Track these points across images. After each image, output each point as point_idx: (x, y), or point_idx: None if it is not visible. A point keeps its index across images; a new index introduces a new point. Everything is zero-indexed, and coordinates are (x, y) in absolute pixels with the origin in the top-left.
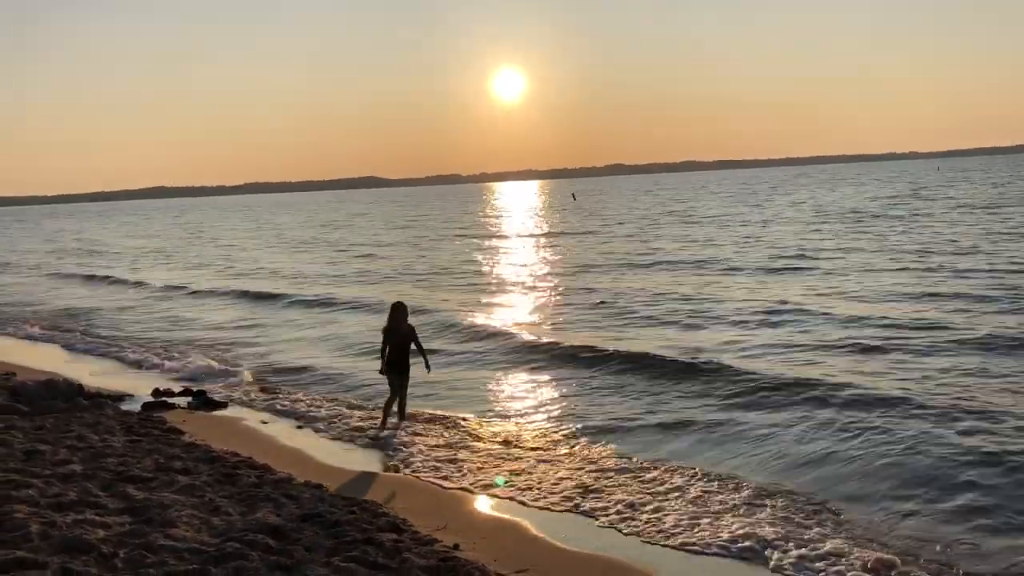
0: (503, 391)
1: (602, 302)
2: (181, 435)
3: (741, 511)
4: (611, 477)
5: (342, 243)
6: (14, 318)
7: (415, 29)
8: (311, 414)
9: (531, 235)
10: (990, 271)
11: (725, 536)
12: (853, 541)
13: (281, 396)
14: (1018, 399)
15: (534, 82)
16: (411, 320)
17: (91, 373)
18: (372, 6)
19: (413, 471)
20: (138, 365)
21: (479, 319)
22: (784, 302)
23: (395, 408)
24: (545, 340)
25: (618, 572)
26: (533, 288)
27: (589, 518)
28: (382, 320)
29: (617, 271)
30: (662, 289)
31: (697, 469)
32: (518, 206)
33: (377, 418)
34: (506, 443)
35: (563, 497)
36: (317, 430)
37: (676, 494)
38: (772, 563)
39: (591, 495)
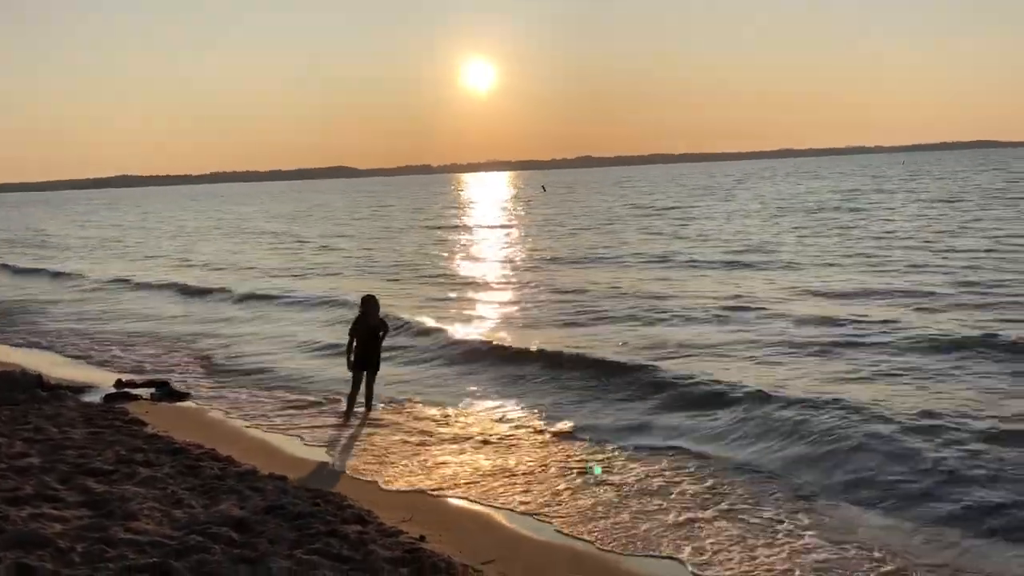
0: (465, 388)
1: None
2: (144, 427)
3: (690, 512)
4: (571, 476)
5: (302, 234)
6: None
7: (386, 17)
8: (275, 406)
9: (497, 227)
10: (944, 268)
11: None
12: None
13: (244, 388)
14: (956, 397)
15: (505, 73)
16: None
17: (52, 364)
18: None
19: (378, 463)
20: (90, 359)
21: (437, 314)
22: (738, 296)
23: (361, 399)
24: (504, 337)
25: (584, 562)
26: (493, 283)
27: (554, 513)
28: (342, 313)
29: (580, 264)
30: (624, 284)
31: (652, 469)
32: (487, 197)
33: (341, 409)
34: (470, 439)
35: (529, 492)
36: (281, 422)
37: (636, 492)
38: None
39: (555, 492)
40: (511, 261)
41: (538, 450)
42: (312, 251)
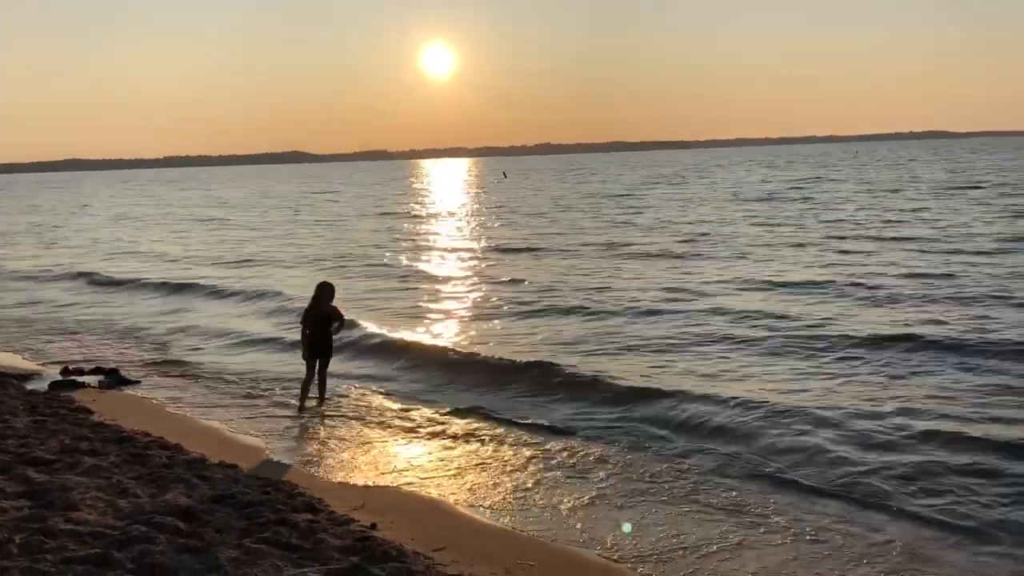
0: (411, 384)
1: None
2: (90, 415)
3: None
4: (518, 467)
5: (240, 222)
6: None
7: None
8: (226, 395)
9: (452, 214)
10: (885, 262)
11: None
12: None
13: (194, 378)
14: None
15: (464, 59)
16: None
17: None
18: None
19: (330, 452)
20: (31, 349)
21: (375, 308)
22: (681, 290)
23: (315, 388)
24: (442, 334)
25: (537, 549)
26: (439, 275)
27: (505, 500)
28: (287, 303)
29: (533, 255)
30: (575, 275)
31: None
32: (446, 185)
33: (294, 400)
34: (421, 430)
35: (479, 482)
36: (233, 411)
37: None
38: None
39: (502, 483)
40: (460, 251)
41: (486, 444)
42: (249, 239)
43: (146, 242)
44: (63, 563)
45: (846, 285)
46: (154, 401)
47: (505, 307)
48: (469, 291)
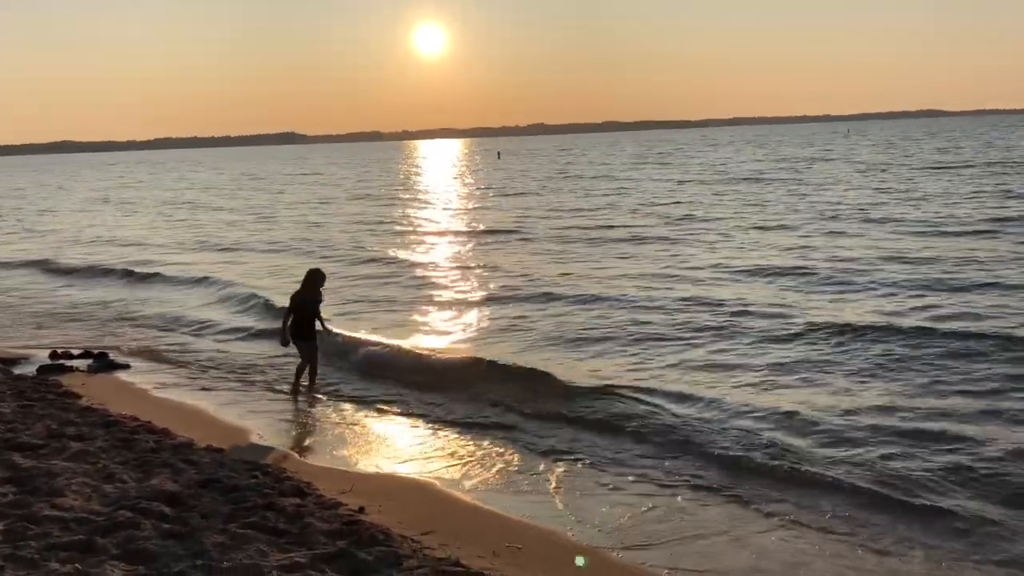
0: (410, 369)
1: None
2: (78, 399)
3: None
4: (506, 452)
5: (234, 208)
6: None
7: None
8: (214, 378)
9: (440, 196)
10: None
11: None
12: None
13: (182, 363)
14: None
15: (456, 40)
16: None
17: None
18: None
19: (319, 436)
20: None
21: (368, 297)
22: (666, 276)
23: (306, 373)
24: (436, 325)
25: (523, 532)
26: (426, 263)
27: (493, 484)
28: (269, 291)
29: (518, 243)
30: (563, 264)
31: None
32: (435, 166)
33: (284, 385)
34: (408, 415)
35: (466, 468)
36: (222, 395)
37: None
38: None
39: (493, 466)
40: (452, 235)
41: (475, 430)
42: (227, 224)
43: (132, 227)
44: (46, 549)
45: (825, 270)
46: (143, 385)
47: (486, 294)
48: (458, 279)
